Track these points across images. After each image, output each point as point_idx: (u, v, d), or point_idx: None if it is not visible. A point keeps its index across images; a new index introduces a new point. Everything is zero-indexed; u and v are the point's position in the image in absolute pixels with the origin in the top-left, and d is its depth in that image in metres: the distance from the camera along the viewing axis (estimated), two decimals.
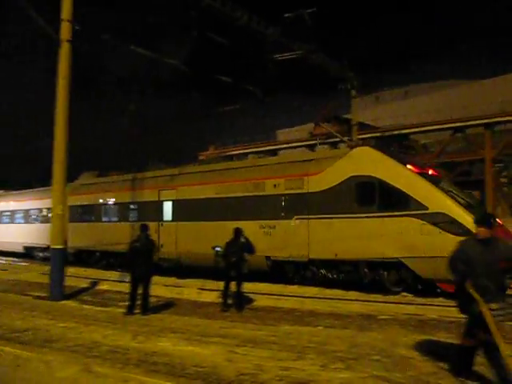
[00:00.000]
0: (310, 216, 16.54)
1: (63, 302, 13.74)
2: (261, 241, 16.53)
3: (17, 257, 32.18)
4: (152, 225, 18.31)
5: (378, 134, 41.81)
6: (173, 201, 21.20)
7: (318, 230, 16.20)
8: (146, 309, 11.84)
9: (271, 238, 17.35)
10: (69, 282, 15.39)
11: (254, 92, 24.61)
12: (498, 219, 14.16)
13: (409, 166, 15.44)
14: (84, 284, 17.38)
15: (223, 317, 11.64)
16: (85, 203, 25.55)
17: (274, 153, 47.07)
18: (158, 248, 19.44)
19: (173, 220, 21.01)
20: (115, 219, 24.02)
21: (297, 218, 16.84)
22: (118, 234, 22.52)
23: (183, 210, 20.68)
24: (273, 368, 7.01)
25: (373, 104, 45.67)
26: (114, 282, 17.80)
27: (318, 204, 16.45)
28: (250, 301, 13.65)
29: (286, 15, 23.00)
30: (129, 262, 12.02)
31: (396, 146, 40.82)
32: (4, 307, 12.55)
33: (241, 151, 39.34)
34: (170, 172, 22.62)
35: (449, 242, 12.19)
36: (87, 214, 25.47)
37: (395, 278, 15.10)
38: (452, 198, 14.65)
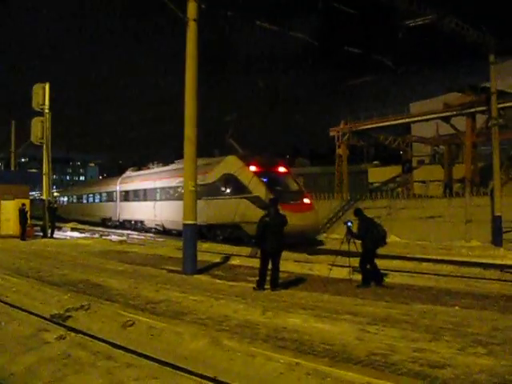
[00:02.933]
0: (208, 198, 26.36)
1: (195, 276, 14.07)
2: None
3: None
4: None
5: None
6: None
7: (211, 206, 26.19)
8: (276, 284, 11.77)
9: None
10: (202, 257, 15.77)
11: (385, 63, 23.62)
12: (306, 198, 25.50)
13: (251, 167, 25.18)
14: (216, 259, 17.82)
15: (354, 294, 11.31)
16: (130, 188, 38.22)
17: (407, 126, 44.87)
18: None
19: None
20: (137, 199, 36.89)
21: (204, 199, 25.39)
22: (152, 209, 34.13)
23: None
24: (405, 349, 6.60)
25: None
26: (246, 258, 18.05)
27: (211, 190, 26.62)
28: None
29: None
30: (259, 237, 11.78)
31: None
32: (141, 280, 13.09)
33: (373, 125, 37.96)
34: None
35: (257, 213, 19.89)
36: (131, 195, 38.17)
37: (244, 235, 24.25)
38: (267, 185, 24.02)
